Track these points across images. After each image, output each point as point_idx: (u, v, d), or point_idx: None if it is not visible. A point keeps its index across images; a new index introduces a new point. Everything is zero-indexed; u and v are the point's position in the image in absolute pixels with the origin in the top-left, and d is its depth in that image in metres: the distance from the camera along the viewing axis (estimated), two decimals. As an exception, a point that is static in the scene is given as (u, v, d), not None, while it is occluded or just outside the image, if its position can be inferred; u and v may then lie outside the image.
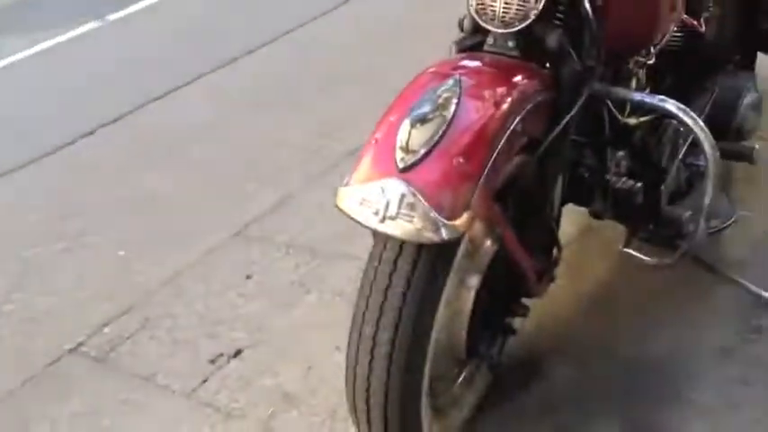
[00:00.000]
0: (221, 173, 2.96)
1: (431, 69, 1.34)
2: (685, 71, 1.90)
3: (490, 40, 1.38)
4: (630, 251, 1.76)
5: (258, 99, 3.56)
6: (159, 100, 3.74)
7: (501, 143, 1.22)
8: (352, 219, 1.17)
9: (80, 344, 2.10)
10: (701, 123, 1.46)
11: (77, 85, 4.04)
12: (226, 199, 2.76)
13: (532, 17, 1.32)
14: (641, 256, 1.72)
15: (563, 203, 1.74)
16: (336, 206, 1.20)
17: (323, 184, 2.63)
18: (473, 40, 1.43)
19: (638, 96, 1.51)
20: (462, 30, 1.44)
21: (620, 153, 1.70)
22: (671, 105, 1.47)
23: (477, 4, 1.35)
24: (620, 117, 1.64)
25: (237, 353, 2.00)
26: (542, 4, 1.31)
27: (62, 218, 2.76)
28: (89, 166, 3.16)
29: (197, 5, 5.41)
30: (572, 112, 1.38)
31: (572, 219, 1.88)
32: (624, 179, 1.68)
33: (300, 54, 4.03)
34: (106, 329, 2.14)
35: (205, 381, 1.90)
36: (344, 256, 2.21)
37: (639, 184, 1.68)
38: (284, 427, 1.72)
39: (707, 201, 1.52)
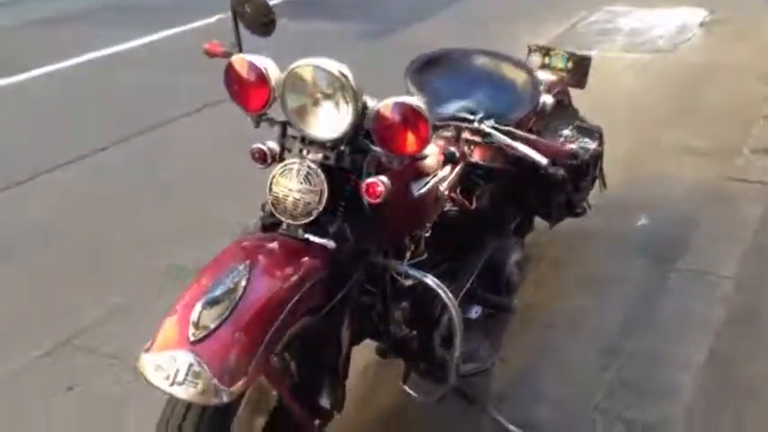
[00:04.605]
0: (53, 279, 3.03)
1: (234, 246, 1.63)
2: (461, 236, 2.30)
3: (284, 225, 1.69)
4: (406, 387, 2.09)
5: (101, 202, 3.68)
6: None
7: (282, 317, 1.51)
8: (147, 381, 1.41)
9: None
10: (450, 295, 1.83)
11: None
12: (55, 307, 2.84)
13: (315, 215, 1.65)
14: (413, 393, 2.06)
15: (360, 339, 2.06)
16: (137, 368, 1.44)
17: (157, 296, 2.73)
18: (273, 219, 1.74)
19: (405, 269, 1.86)
20: (263, 211, 1.75)
21: (403, 304, 2.05)
22: (429, 280, 1.83)
23: (273, 198, 1.67)
24: (399, 279, 1.99)
25: (48, 464, 2.12)
26: (323, 205, 1.64)
27: None
28: None
29: (48, 94, 5.47)
30: (348, 285, 1.71)
31: (371, 348, 2.14)
32: (403, 327, 2.02)
33: (148, 159, 4.20)
34: None
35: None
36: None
37: (415, 332, 2.03)
38: None
39: (456, 353, 1.87)
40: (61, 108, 5.04)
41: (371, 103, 1.67)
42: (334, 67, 1.59)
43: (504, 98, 2.25)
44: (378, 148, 1.65)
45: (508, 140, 1.86)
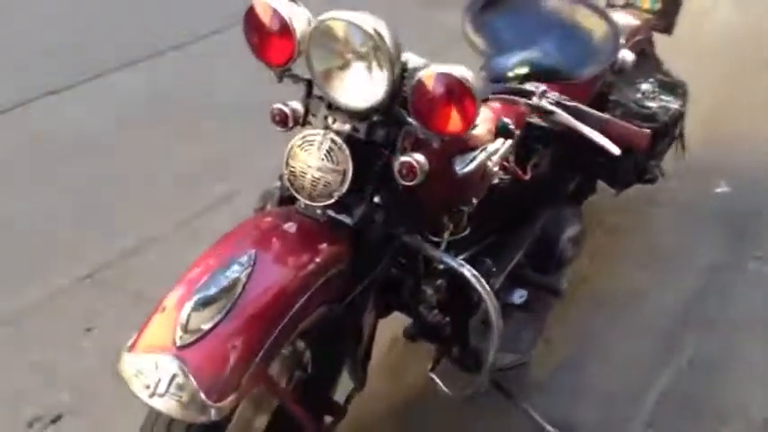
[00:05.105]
0: (86, 202, 2.90)
1: (241, 229, 1.40)
2: (512, 209, 2.04)
3: (301, 203, 1.45)
4: (434, 377, 1.89)
5: (152, 114, 3.48)
6: (40, 99, 3.64)
7: (288, 316, 1.30)
8: (128, 387, 1.23)
9: None
10: (488, 289, 1.58)
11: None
12: (83, 234, 2.72)
13: (336, 197, 1.40)
14: (441, 385, 1.85)
15: (388, 312, 1.85)
16: (118, 371, 1.25)
17: (190, 231, 2.63)
18: (291, 192, 1.50)
19: (439, 255, 1.61)
20: (281, 182, 1.51)
21: (438, 282, 1.82)
22: (465, 270, 1.58)
23: (290, 173, 1.43)
24: (434, 260, 1.75)
25: (57, 418, 2.01)
26: (347, 186, 1.39)
27: None
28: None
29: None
30: (374, 274, 1.48)
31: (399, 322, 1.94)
32: (435, 312, 1.80)
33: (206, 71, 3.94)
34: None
35: (19, 445, 1.90)
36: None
37: (448, 319, 1.81)
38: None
39: (492, 349, 1.64)
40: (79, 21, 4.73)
41: (413, 62, 1.39)
42: (369, 23, 1.30)
43: (575, 50, 1.91)
44: (415, 122, 1.38)
45: (574, 122, 1.56)
